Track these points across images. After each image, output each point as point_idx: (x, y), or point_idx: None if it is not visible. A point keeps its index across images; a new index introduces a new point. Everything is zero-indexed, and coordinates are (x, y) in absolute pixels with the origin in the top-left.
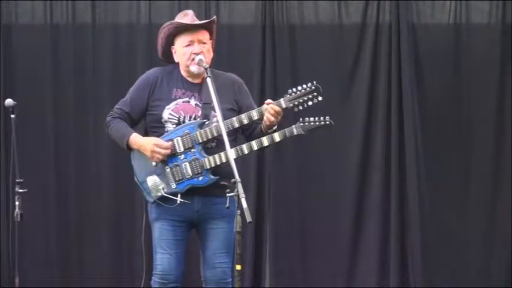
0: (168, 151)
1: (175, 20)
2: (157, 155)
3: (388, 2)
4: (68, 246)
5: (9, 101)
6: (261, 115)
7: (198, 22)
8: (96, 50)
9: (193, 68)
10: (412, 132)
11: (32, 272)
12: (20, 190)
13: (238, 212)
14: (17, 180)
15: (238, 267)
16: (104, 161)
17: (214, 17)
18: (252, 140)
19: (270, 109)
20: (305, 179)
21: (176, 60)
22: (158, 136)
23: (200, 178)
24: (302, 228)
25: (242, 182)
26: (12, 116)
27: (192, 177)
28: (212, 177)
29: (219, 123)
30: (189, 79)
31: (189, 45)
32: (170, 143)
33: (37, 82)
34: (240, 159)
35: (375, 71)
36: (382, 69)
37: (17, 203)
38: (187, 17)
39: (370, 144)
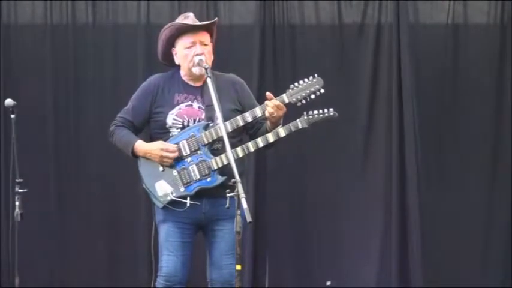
0: (176, 154)
1: (176, 22)
2: (166, 159)
3: (388, 2)
4: (68, 247)
5: (9, 101)
6: (265, 111)
7: (199, 23)
8: (96, 50)
9: (196, 70)
10: (412, 132)
11: (32, 272)
12: (20, 190)
13: (238, 212)
14: (17, 180)
15: (238, 267)
16: (104, 161)
17: (216, 18)
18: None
19: (269, 103)
20: (305, 178)
21: (177, 62)
22: (164, 141)
23: (208, 179)
24: (302, 228)
25: (243, 183)
26: (12, 116)
27: (200, 179)
28: (220, 177)
29: (219, 124)
30: (191, 82)
31: (191, 46)
32: (176, 145)
33: (37, 82)
34: (246, 160)
35: (375, 70)
36: (382, 69)
37: (17, 203)
38: (188, 19)
39: (370, 144)
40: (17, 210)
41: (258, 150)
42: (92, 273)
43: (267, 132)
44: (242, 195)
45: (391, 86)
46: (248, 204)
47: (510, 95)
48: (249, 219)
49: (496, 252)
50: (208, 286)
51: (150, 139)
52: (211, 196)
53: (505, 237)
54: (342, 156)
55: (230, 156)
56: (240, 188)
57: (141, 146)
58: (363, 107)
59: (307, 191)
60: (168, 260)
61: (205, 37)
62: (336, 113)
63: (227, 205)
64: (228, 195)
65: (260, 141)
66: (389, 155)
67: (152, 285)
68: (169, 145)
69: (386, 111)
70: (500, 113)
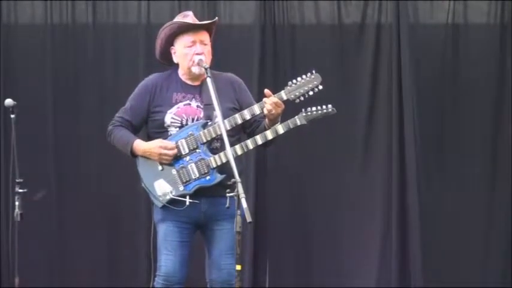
0: (175, 151)
1: (177, 20)
2: (165, 157)
3: (388, 2)
4: (68, 246)
5: (9, 101)
6: (263, 109)
7: (201, 22)
8: (96, 50)
9: (195, 69)
10: (412, 132)
11: (32, 272)
12: (20, 190)
13: (238, 212)
14: (17, 180)
15: (238, 267)
16: (104, 161)
17: (216, 18)
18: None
19: (268, 101)
20: (305, 178)
21: (175, 61)
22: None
23: (207, 177)
24: (302, 228)
25: (242, 182)
26: (12, 116)
27: (199, 178)
28: (219, 175)
29: (219, 122)
30: (189, 82)
31: (191, 46)
32: (173, 142)
33: (37, 82)
34: (244, 159)
35: (375, 70)
36: (382, 68)
37: (17, 203)
38: (187, 18)
39: (371, 144)
40: (17, 210)
41: (258, 149)
42: (92, 273)
43: (265, 130)
44: (242, 195)
45: (391, 86)
46: (248, 204)
47: (510, 95)
48: (249, 219)
49: (496, 252)
50: (207, 286)
51: (147, 139)
52: (210, 195)
53: (505, 237)
54: (342, 156)
55: (230, 155)
56: (240, 188)
57: (140, 145)
58: (363, 107)
59: (308, 191)
60: (167, 260)
61: (205, 36)
62: (335, 109)
63: (227, 205)
64: (228, 195)
65: (259, 139)
66: (389, 155)
67: (151, 285)
68: (168, 142)
69: (386, 111)
70: (500, 113)
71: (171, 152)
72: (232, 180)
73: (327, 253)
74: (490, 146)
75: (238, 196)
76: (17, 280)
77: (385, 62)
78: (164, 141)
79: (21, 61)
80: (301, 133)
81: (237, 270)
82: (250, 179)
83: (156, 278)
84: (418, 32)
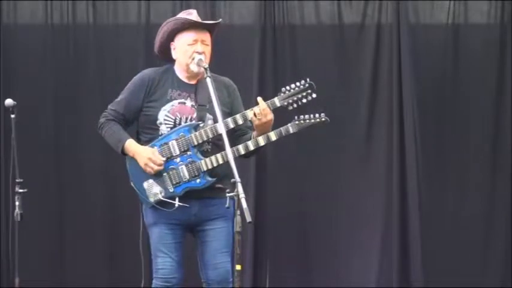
0: (161, 168)
1: (180, 16)
2: (149, 169)
3: (388, 2)
4: (68, 247)
5: (9, 101)
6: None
7: (204, 22)
8: (96, 50)
9: (193, 67)
10: (412, 132)
11: (32, 272)
12: (20, 190)
13: (238, 212)
14: (17, 180)
15: (238, 267)
16: (104, 161)
17: (221, 19)
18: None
19: (256, 109)
20: (305, 178)
21: (174, 57)
22: (151, 139)
23: (198, 180)
24: (302, 228)
25: (242, 182)
26: (12, 116)
27: (189, 180)
28: (209, 179)
29: (218, 122)
30: (185, 80)
31: (192, 44)
32: (163, 159)
33: (37, 82)
34: (239, 160)
35: (375, 70)
36: (382, 68)
37: (17, 203)
38: (191, 15)
39: (371, 144)
40: (17, 210)
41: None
42: (92, 273)
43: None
44: (242, 195)
45: (391, 86)
46: (248, 204)
47: (510, 95)
48: (248, 219)
49: (496, 252)
50: (204, 286)
51: (136, 134)
52: (200, 197)
53: (505, 237)
54: (342, 156)
55: (230, 155)
56: (239, 188)
57: (132, 146)
58: (363, 107)
59: (308, 191)
60: (165, 262)
61: (207, 36)
62: (328, 119)
63: (227, 205)
64: (227, 195)
65: (251, 145)
66: (389, 155)
67: (142, 285)
68: (158, 157)
69: (386, 111)
70: (500, 113)
71: (156, 168)
72: (232, 180)
73: (327, 253)
74: (490, 145)
75: (238, 196)
76: (17, 280)
77: (385, 62)
78: (156, 155)
79: (21, 61)
80: (301, 132)
81: (237, 270)
82: (250, 179)
83: (154, 281)
84: (418, 32)
